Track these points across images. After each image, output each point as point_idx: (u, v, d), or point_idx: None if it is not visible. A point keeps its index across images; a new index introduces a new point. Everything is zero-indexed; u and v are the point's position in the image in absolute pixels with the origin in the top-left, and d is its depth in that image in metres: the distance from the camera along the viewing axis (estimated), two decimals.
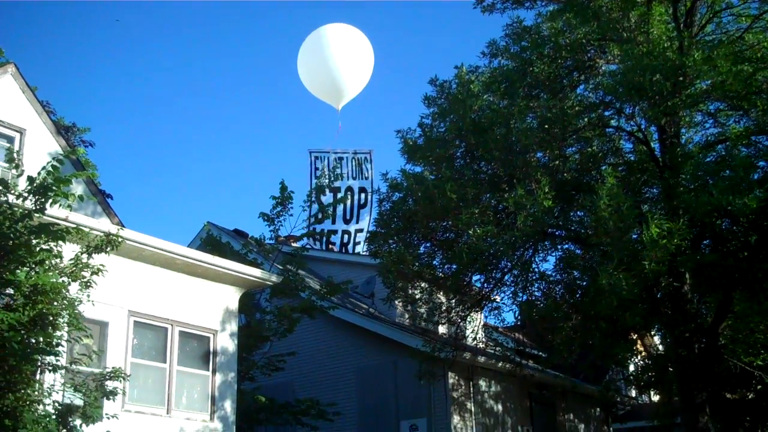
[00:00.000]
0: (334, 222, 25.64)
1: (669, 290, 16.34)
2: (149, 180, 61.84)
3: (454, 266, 17.69)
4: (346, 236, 25.81)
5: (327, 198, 25.47)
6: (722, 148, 16.62)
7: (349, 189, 26.00)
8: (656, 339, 24.62)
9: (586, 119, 16.74)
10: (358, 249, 25.28)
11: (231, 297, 16.05)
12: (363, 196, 26.01)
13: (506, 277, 18.48)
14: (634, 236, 14.32)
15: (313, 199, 22.93)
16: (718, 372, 19.72)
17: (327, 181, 25.51)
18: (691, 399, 16.72)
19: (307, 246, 20.23)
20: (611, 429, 26.88)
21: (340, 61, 24.27)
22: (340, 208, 25.60)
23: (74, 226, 11.72)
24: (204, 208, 64.67)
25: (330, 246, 25.72)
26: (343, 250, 25.78)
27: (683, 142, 17.14)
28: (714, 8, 17.18)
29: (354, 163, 26.16)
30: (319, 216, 22.88)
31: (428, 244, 18.64)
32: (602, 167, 16.30)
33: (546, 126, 15.95)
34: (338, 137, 26.65)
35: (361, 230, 24.73)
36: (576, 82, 17.97)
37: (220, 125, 62.95)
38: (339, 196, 25.68)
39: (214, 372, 15.31)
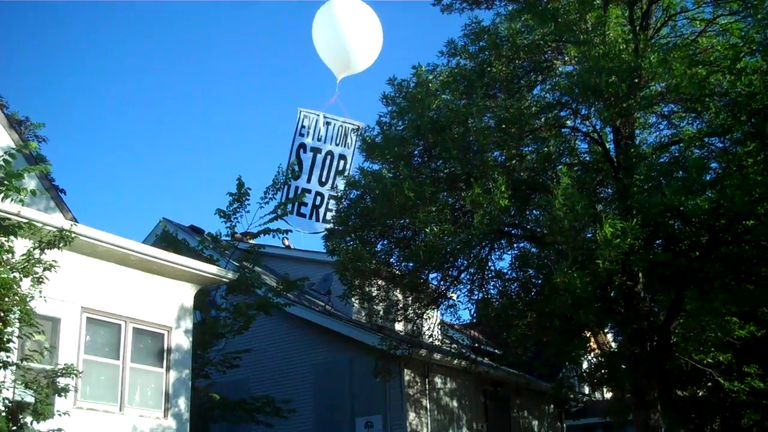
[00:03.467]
0: (309, 180, 25.70)
1: (622, 289, 16.57)
2: (104, 176, 61.14)
3: (411, 264, 17.76)
4: (318, 198, 25.83)
5: (306, 156, 25.87)
6: (676, 149, 16.88)
7: (330, 153, 26.10)
8: (609, 337, 24.94)
9: (542, 119, 16.88)
10: (329, 216, 25.22)
11: (186, 294, 15.93)
12: (342, 163, 26.13)
13: (462, 275, 18.60)
14: (589, 235, 14.46)
15: (293, 160, 24.34)
16: (669, 369, 20.05)
17: (310, 140, 25.90)
18: (642, 396, 16.96)
19: (280, 213, 19.91)
20: (564, 425, 27.18)
21: (358, 35, 24.57)
22: (317, 167, 25.80)
23: (26, 221, 11.58)
24: (159, 204, 64.11)
25: (299, 213, 25.63)
26: (314, 213, 25.72)
27: (637, 143, 17.37)
28: (669, 12, 17.44)
29: (340, 131, 26.29)
30: (296, 170, 23.47)
31: (385, 242, 18.67)
32: (558, 167, 16.46)
33: (503, 126, 16.05)
34: (327, 107, 26.42)
35: (333, 197, 24.74)
36: (533, 83, 18.14)
37: (176, 120, 62.43)
38: (319, 156, 25.97)
39: (168, 369, 15.18)
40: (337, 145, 26.24)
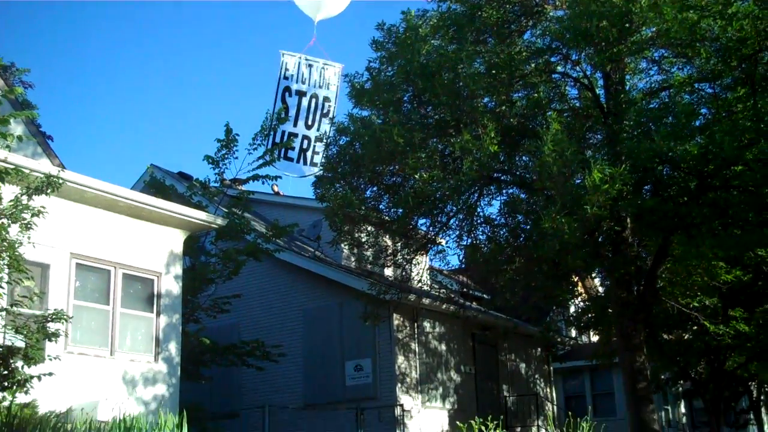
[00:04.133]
0: (296, 125, 25.69)
1: (610, 234, 16.67)
2: (91, 122, 60.67)
3: (400, 210, 17.79)
4: (305, 141, 25.84)
5: (292, 100, 25.90)
6: (665, 95, 16.85)
7: (314, 96, 26.08)
8: (597, 281, 25.16)
9: (532, 65, 16.78)
10: (316, 159, 25.21)
11: (175, 240, 15.94)
12: (327, 105, 26.11)
13: (451, 221, 18.65)
14: (577, 181, 14.49)
15: (279, 104, 24.60)
16: (655, 313, 20.30)
17: (295, 83, 25.89)
18: (629, 339, 17.18)
19: (268, 159, 19.80)
20: (551, 368, 27.53)
21: None
22: (303, 110, 25.82)
23: (13, 167, 11.50)
24: (148, 150, 63.80)
25: (287, 157, 25.64)
26: (301, 157, 25.74)
27: (628, 88, 17.32)
28: None
29: (322, 73, 26.25)
30: (283, 116, 23.48)
31: (375, 188, 18.67)
32: (548, 113, 16.41)
33: (493, 71, 15.95)
34: (307, 51, 26.36)
35: (320, 139, 24.70)
36: (524, 28, 17.96)
37: (164, 65, 61.79)
38: (304, 100, 26.00)
39: (158, 314, 15.27)
40: (320, 87, 26.17)
